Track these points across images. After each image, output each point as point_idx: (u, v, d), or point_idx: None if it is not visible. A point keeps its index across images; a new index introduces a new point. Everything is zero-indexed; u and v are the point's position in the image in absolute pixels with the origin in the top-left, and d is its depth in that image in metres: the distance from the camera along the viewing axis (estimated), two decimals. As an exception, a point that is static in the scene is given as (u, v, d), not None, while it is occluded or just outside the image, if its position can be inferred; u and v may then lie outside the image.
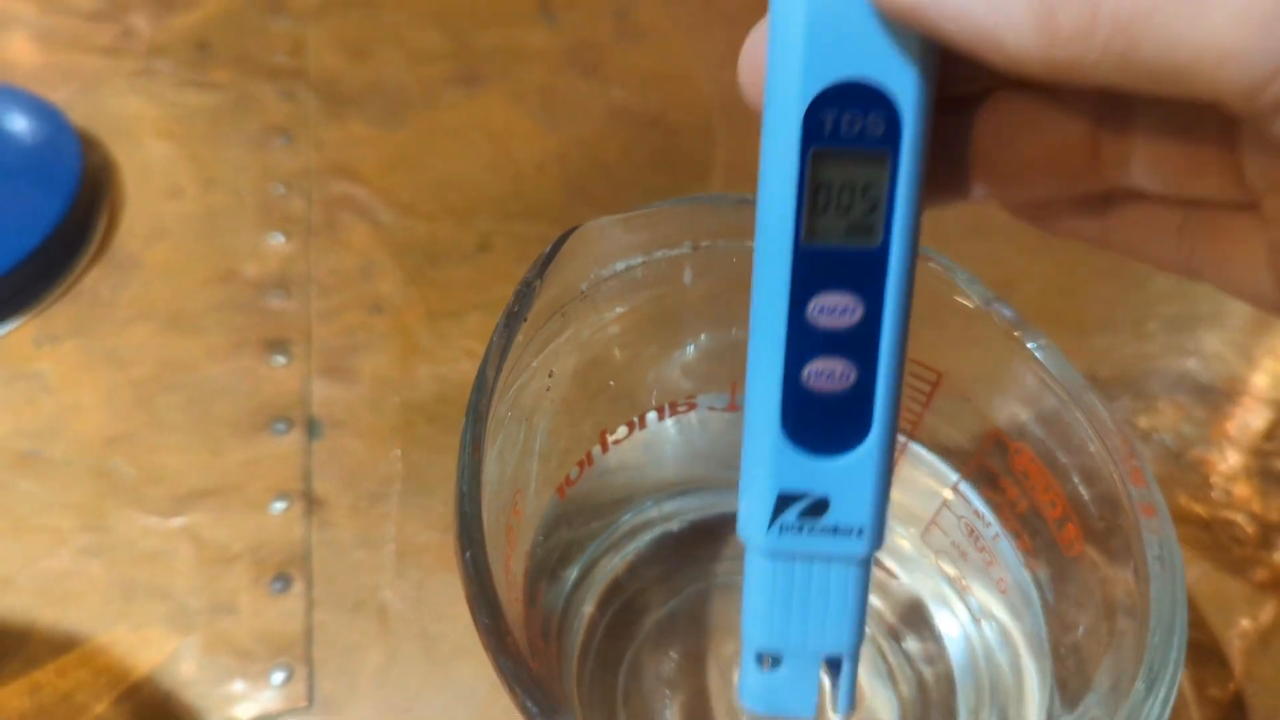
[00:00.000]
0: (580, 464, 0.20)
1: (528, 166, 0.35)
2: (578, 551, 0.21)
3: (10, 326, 0.30)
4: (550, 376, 0.19)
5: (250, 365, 0.29)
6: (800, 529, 0.16)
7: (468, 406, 0.17)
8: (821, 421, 0.15)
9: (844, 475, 0.15)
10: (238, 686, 0.24)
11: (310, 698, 0.24)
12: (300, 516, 0.26)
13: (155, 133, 0.35)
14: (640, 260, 0.19)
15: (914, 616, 0.22)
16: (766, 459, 0.15)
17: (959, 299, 0.19)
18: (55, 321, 0.30)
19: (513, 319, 0.17)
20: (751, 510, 0.16)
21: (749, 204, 0.19)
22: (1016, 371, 0.19)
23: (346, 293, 0.31)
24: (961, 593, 0.21)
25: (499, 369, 0.17)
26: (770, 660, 0.17)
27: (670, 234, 0.19)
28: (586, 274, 0.19)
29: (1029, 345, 0.19)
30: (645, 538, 0.22)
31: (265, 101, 0.36)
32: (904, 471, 0.22)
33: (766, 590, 0.16)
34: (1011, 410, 0.20)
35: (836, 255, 0.14)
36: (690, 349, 0.21)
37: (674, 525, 0.23)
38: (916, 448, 0.21)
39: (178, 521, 0.26)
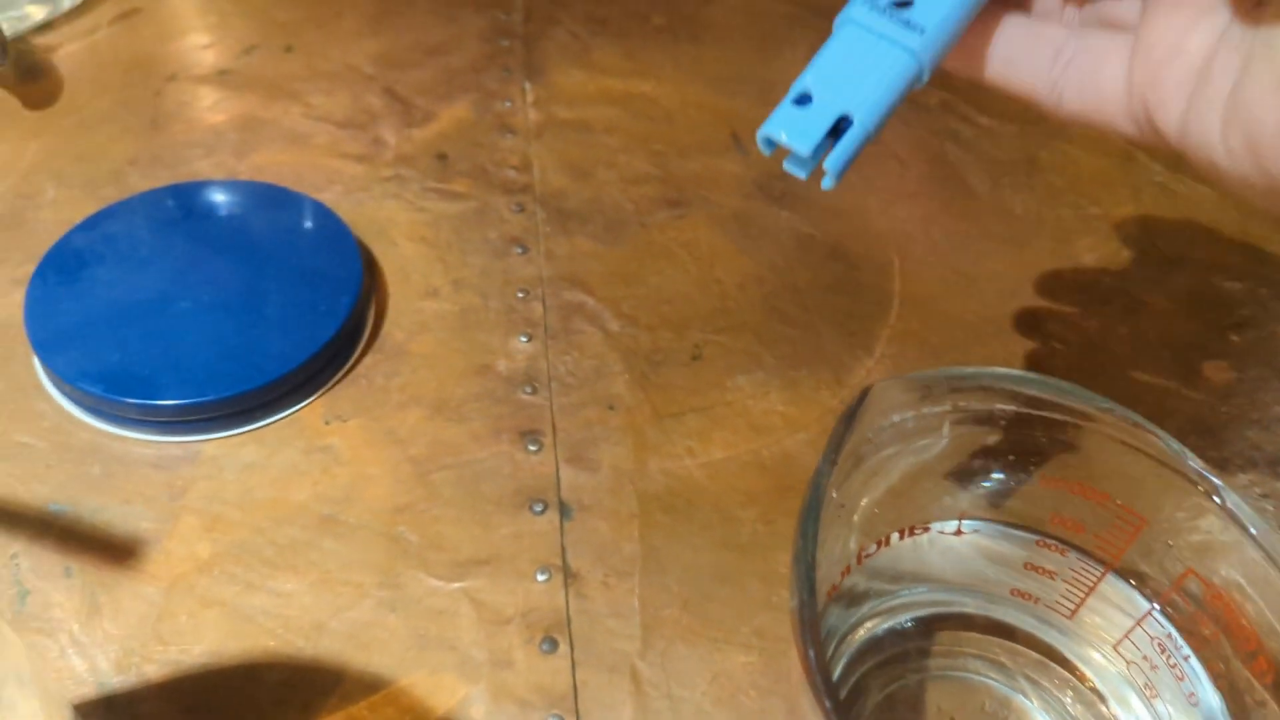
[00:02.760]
0: (843, 573, 0.25)
1: (730, 286, 0.40)
2: (831, 638, 0.26)
3: (303, 404, 0.35)
4: (842, 507, 0.23)
5: (508, 451, 0.34)
6: (884, 11, 0.21)
7: (800, 531, 0.21)
8: None
9: None
10: (519, 730, 0.29)
11: (581, 744, 0.28)
12: (560, 587, 0.31)
13: (408, 236, 0.41)
14: (911, 415, 0.24)
15: (1104, 716, 0.26)
16: None
17: (1164, 459, 0.24)
18: (340, 402, 0.36)
19: (831, 464, 0.22)
20: None
21: (997, 378, 0.24)
22: (1210, 519, 0.24)
23: (584, 391, 0.36)
24: (1149, 700, 0.25)
25: (822, 502, 0.21)
26: (802, 100, 0.21)
27: (937, 395, 0.24)
28: (874, 424, 0.23)
29: (1221, 498, 0.23)
30: (881, 628, 0.27)
31: (501, 213, 0.42)
32: (1102, 592, 0.26)
33: (836, 50, 0.21)
34: (1206, 552, 0.24)
35: None
36: (933, 484, 0.26)
37: (904, 620, 0.27)
38: (1114, 578, 0.26)
39: (458, 585, 0.31)
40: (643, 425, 0.35)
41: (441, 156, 0.44)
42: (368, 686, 0.29)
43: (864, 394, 0.23)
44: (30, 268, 0.37)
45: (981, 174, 0.45)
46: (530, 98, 0.47)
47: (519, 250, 0.40)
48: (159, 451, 0.34)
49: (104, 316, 0.35)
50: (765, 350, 0.38)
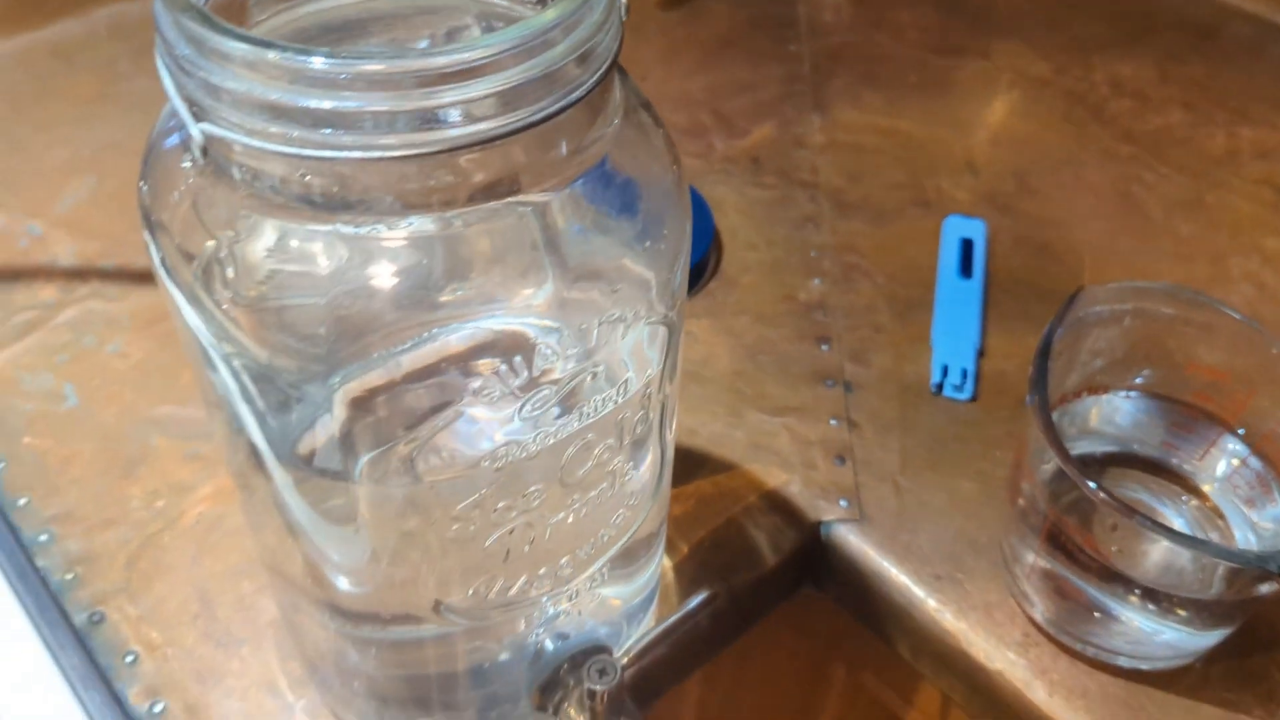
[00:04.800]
0: (1051, 406, 0.40)
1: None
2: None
3: (673, 305, 0.53)
4: (1058, 357, 0.39)
5: (808, 348, 0.51)
6: None
7: (1035, 363, 0.37)
8: None
9: None
10: (821, 503, 0.45)
11: (861, 515, 0.44)
12: (845, 430, 0.47)
13: (734, 209, 0.58)
14: (1107, 309, 0.39)
15: (1216, 521, 0.40)
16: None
17: (1265, 351, 0.38)
18: (696, 307, 0.53)
19: (1058, 324, 0.37)
20: None
21: (1162, 288, 0.39)
22: (1295, 396, 0.38)
23: (859, 317, 0.52)
24: (1247, 510, 0.40)
25: (1047, 364, 0.37)
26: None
27: (1122, 297, 0.39)
28: (1079, 313, 0.39)
29: (1304, 383, 0.38)
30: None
31: (798, 200, 0.59)
32: (1221, 444, 0.40)
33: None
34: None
35: None
36: (1113, 359, 0.41)
37: (1080, 452, 0.42)
38: (1230, 435, 0.40)
39: (778, 419, 0.48)
40: (901, 343, 0.51)
41: (755, 159, 0.61)
42: (724, 467, 0.46)
43: (1078, 290, 0.39)
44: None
45: (1158, 207, 0.59)
46: (817, 125, 0.64)
47: (811, 225, 0.57)
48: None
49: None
50: (991, 304, 0.53)
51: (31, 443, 0.45)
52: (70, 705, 0.37)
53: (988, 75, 0.69)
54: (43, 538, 0.42)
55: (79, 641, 0.39)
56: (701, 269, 0.54)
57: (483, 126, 0.21)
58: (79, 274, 0.52)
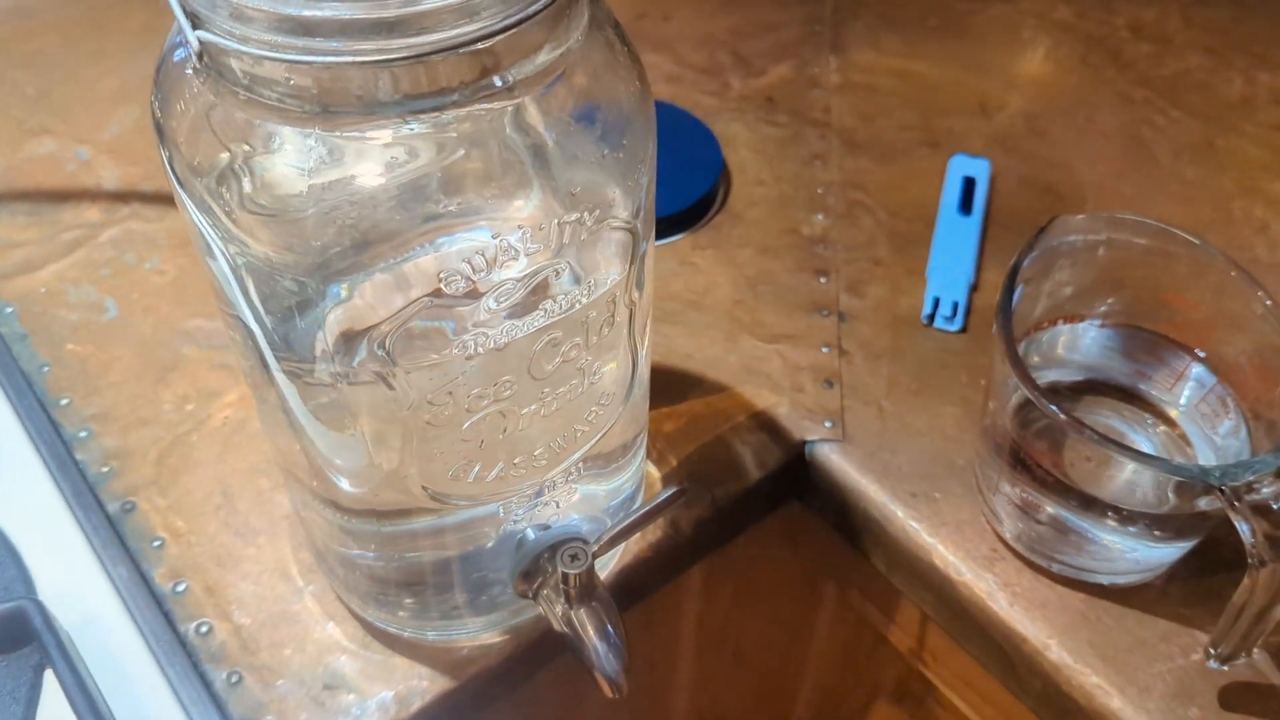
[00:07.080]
0: (1018, 339, 0.42)
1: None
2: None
3: (679, 237, 0.55)
4: (1028, 283, 0.40)
5: (807, 279, 0.53)
6: None
7: (1003, 289, 0.38)
8: None
9: None
10: (807, 424, 0.47)
11: (844, 436, 0.46)
12: (836, 357, 0.49)
13: (745, 146, 0.60)
14: (1080, 238, 0.41)
15: (1180, 443, 0.42)
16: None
17: (1236, 289, 0.40)
18: (701, 239, 0.55)
19: (1026, 252, 0.39)
20: None
21: (1137, 220, 0.41)
22: (1258, 323, 0.39)
23: (859, 252, 0.54)
24: (1209, 431, 0.41)
25: (1014, 288, 0.38)
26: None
27: (1095, 227, 0.41)
28: (1052, 242, 0.40)
29: (1266, 310, 0.39)
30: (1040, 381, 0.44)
31: (809, 139, 0.60)
32: (1189, 374, 0.42)
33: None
34: (1262, 344, 0.39)
35: None
36: (1088, 287, 0.42)
37: (1057, 379, 0.44)
38: (1198, 364, 0.41)
39: (772, 346, 0.50)
40: (897, 276, 0.53)
41: (770, 99, 0.63)
42: (717, 389, 0.48)
43: (1052, 219, 0.40)
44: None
45: (1166, 150, 0.60)
46: (833, 66, 0.65)
47: (819, 163, 0.59)
48: (587, 253, 0.54)
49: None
50: (989, 240, 0.55)
51: (74, 349, 0.49)
52: (102, 583, 0.41)
53: (1009, 19, 0.69)
54: (82, 434, 0.46)
55: (111, 527, 0.42)
56: (709, 202, 0.56)
57: (448, 34, 0.24)
58: (121, 197, 0.55)
